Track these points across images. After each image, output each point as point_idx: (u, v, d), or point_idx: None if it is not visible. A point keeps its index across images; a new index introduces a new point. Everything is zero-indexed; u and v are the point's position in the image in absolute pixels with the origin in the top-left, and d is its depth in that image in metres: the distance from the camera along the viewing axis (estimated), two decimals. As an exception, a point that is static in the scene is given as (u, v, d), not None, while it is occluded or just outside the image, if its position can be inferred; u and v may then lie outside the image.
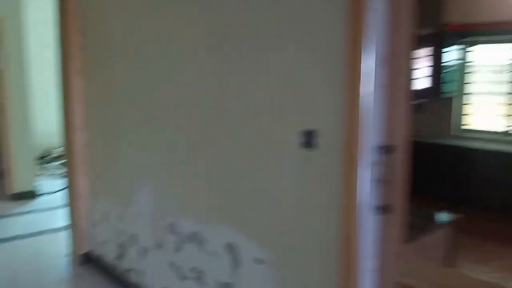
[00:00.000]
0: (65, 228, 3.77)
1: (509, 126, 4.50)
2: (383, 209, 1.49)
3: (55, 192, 5.47)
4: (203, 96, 2.10)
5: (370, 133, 1.47)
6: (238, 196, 1.96)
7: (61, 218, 4.17)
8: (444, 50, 4.60)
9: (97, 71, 2.98)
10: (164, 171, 2.42)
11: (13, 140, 5.03)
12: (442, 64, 4.61)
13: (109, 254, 3.08)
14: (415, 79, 4.34)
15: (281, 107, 1.73)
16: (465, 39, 4.64)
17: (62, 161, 6.00)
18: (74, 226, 3.37)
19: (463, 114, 4.78)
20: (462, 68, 4.75)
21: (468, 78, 4.74)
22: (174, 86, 2.28)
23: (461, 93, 4.77)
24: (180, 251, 2.36)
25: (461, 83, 4.76)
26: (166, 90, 2.34)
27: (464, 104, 4.77)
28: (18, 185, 5.10)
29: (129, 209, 2.77)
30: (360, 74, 1.43)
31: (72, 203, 3.34)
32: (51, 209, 4.78)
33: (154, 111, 2.45)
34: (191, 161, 2.22)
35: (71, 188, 3.33)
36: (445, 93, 4.68)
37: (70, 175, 3.31)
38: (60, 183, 5.81)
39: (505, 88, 4.49)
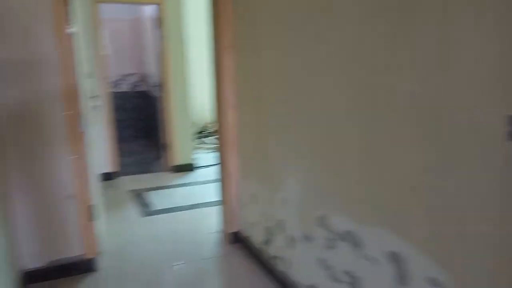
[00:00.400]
0: (217, 203, 3.85)
1: None
2: None
3: (210, 165, 5.75)
4: (365, 76, 1.71)
5: None
6: (406, 197, 1.55)
7: (214, 192, 4.30)
8: None
9: (248, 52, 2.81)
10: (314, 161, 2.13)
11: (174, 116, 5.39)
12: None
13: (256, 237, 2.98)
14: None
15: (480, 80, 1.24)
16: None
17: (216, 136, 6.28)
18: (225, 204, 3.37)
19: None
20: None
21: None
22: (328, 69, 1.94)
23: None
24: (331, 249, 2.06)
25: None
26: (319, 73, 2.01)
27: None
28: (178, 158, 5.48)
29: (276, 194, 2.59)
30: None
31: (224, 181, 3.34)
32: (206, 182, 5.01)
33: (306, 96, 2.15)
34: (346, 151, 1.87)
35: (222, 166, 3.32)
36: None
37: (222, 153, 3.30)
38: (214, 157, 6.09)
39: None
